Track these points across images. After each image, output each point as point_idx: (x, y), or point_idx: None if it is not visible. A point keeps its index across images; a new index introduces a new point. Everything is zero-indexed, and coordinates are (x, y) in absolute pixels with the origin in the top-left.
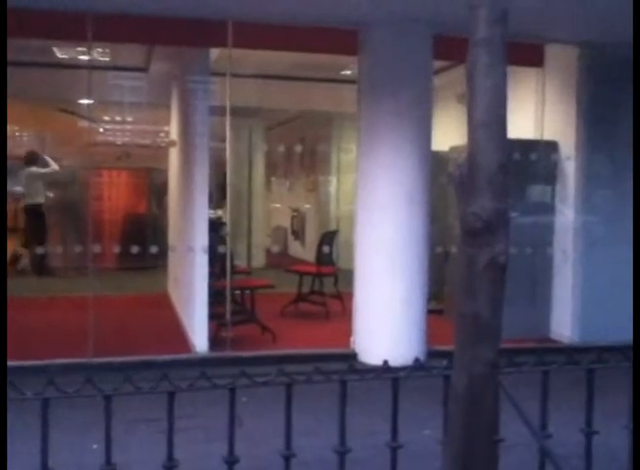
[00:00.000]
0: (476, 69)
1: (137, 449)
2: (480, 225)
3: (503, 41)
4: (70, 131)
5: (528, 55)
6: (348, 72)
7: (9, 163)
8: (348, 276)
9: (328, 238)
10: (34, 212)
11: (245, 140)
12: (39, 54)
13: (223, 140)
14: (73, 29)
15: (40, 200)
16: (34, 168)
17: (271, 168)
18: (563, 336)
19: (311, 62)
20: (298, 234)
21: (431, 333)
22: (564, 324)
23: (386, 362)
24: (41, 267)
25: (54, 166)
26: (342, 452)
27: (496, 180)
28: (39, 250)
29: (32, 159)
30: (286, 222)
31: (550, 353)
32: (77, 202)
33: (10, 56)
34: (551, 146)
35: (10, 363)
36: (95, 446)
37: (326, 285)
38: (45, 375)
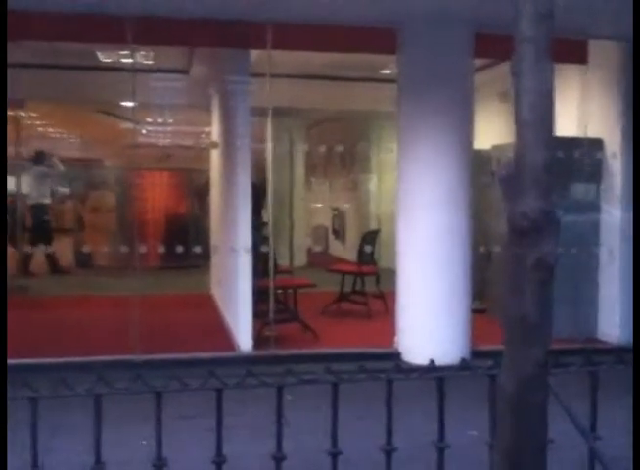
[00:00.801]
0: (521, 67)
1: (184, 446)
2: (528, 225)
3: (549, 39)
4: (113, 133)
5: (572, 52)
6: (388, 72)
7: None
8: (389, 275)
9: (369, 237)
10: (41, 212)
11: (285, 140)
12: (83, 57)
13: (264, 140)
14: (116, 33)
15: (46, 200)
16: (41, 168)
17: (311, 168)
18: (610, 336)
19: (351, 61)
20: (339, 233)
21: (474, 333)
22: (611, 324)
23: (432, 362)
24: (53, 266)
25: (59, 168)
26: (389, 451)
27: (543, 179)
28: (48, 249)
29: (40, 158)
30: (326, 222)
31: (598, 354)
32: (120, 202)
33: (53, 60)
34: (596, 144)
35: (57, 360)
36: (144, 442)
37: (367, 284)
38: (92, 371)
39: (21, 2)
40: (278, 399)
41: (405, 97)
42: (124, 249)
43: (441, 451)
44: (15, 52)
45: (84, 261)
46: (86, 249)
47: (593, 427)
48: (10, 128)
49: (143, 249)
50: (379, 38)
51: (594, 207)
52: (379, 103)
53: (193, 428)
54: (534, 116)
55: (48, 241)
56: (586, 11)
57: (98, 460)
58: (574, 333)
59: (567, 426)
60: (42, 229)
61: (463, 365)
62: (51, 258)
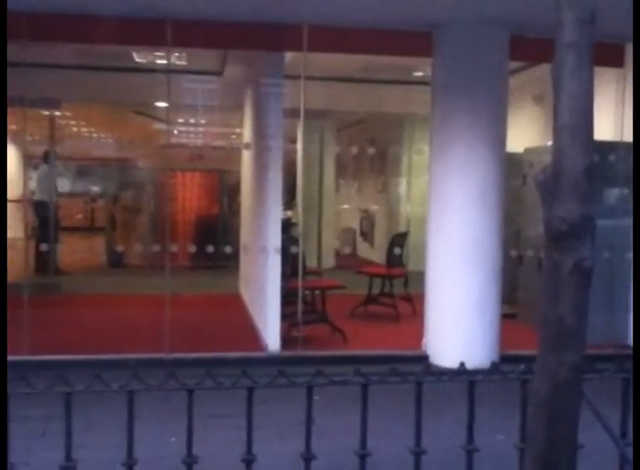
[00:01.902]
0: (562, 71)
1: (214, 444)
2: (566, 229)
3: (590, 43)
4: (146, 133)
5: (609, 55)
6: (420, 74)
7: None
8: (417, 278)
9: (398, 240)
10: (43, 209)
11: (315, 142)
12: (118, 58)
13: (294, 142)
14: (153, 35)
15: (48, 198)
16: (47, 167)
17: (341, 170)
18: None
19: (383, 63)
20: (367, 235)
21: (503, 337)
22: None
23: (462, 365)
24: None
25: (62, 172)
26: (418, 453)
27: (582, 184)
28: (42, 247)
29: (47, 157)
30: (355, 224)
31: (629, 360)
32: (152, 202)
33: (89, 60)
34: (631, 148)
35: (89, 357)
36: (173, 439)
37: (395, 286)
38: (123, 369)
39: (58, 4)
40: (308, 399)
41: (439, 99)
42: (156, 248)
43: (470, 454)
44: (51, 53)
45: (116, 260)
46: (119, 248)
47: (624, 433)
48: (45, 128)
49: (174, 248)
50: (414, 41)
51: (627, 211)
52: (410, 105)
53: (222, 426)
54: (574, 119)
55: (48, 239)
56: (623, 14)
57: (130, 456)
58: (605, 339)
59: (598, 432)
60: (45, 227)
61: (494, 369)
62: (43, 257)
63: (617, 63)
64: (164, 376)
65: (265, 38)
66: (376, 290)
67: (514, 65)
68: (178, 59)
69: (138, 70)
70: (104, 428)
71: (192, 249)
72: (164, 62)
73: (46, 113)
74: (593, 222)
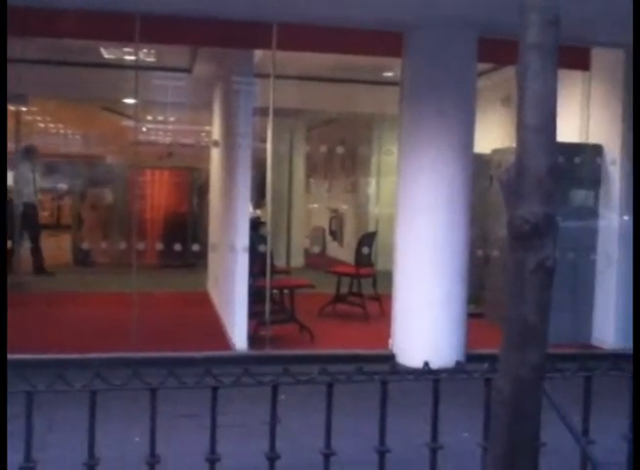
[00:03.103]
0: (526, 72)
1: (178, 443)
2: (528, 229)
3: (555, 45)
4: (114, 130)
5: (575, 58)
6: (390, 74)
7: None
8: (386, 278)
9: (367, 239)
10: (26, 211)
11: (285, 141)
12: (86, 54)
13: (264, 140)
14: (121, 31)
15: (31, 199)
16: (28, 164)
17: (311, 169)
18: (604, 342)
19: (353, 63)
20: (336, 235)
21: (469, 336)
22: (606, 330)
23: (427, 364)
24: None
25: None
26: (383, 452)
27: (545, 184)
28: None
29: (28, 154)
30: (324, 223)
31: (592, 359)
32: (119, 200)
33: (56, 56)
34: (596, 150)
35: (54, 356)
36: (137, 439)
37: (364, 286)
38: (89, 368)
39: None
40: (273, 398)
41: (408, 100)
42: (123, 246)
43: (434, 453)
44: (18, 47)
45: (82, 258)
46: (85, 246)
47: (586, 431)
48: (10, 124)
49: (141, 246)
50: (384, 41)
51: (592, 212)
52: (380, 105)
53: (187, 426)
54: (538, 121)
55: (32, 239)
56: (588, 18)
57: (91, 456)
58: (568, 338)
59: (560, 430)
60: (28, 227)
61: (458, 368)
62: (35, 257)
63: (583, 66)
64: (129, 375)
65: (235, 36)
66: (344, 289)
67: (482, 66)
68: (147, 55)
69: (106, 65)
70: (68, 428)
71: (160, 247)
72: (133, 58)
73: (11, 108)
74: (555, 222)
